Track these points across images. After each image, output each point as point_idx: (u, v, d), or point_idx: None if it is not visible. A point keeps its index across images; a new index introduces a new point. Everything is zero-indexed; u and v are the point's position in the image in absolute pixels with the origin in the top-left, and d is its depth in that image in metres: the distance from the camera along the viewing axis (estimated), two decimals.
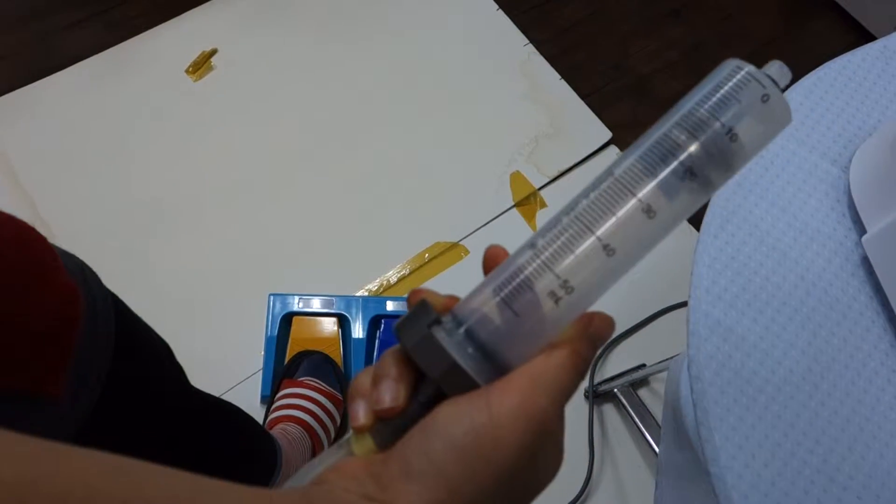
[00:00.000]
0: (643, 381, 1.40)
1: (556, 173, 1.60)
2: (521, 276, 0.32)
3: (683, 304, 1.41)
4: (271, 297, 1.39)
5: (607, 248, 0.32)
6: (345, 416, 1.31)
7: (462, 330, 0.33)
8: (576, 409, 1.36)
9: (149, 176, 1.59)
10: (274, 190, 1.58)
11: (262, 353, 1.36)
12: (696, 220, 0.65)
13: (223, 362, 1.37)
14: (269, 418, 1.23)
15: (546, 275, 0.32)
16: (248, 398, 1.34)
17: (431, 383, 0.32)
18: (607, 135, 1.65)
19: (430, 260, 1.50)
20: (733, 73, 0.33)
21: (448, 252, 1.51)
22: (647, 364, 1.37)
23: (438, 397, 0.32)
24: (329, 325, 1.39)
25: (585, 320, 0.34)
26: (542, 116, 1.68)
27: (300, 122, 1.67)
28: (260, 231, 1.53)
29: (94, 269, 0.62)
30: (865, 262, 0.65)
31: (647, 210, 0.32)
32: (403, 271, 1.49)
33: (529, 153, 1.63)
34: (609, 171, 0.33)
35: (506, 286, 0.33)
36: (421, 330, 0.32)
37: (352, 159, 1.62)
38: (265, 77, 1.73)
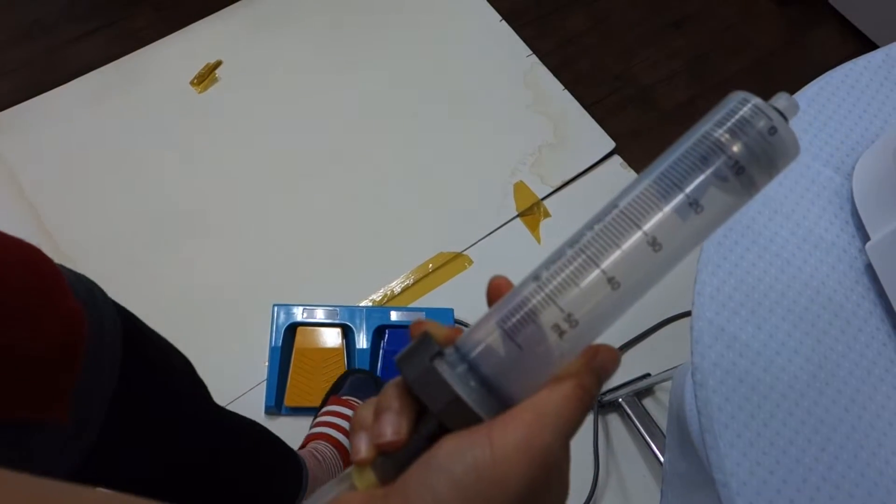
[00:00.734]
0: (648, 391, 1.39)
1: (559, 183, 1.61)
2: (525, 309, 0.32)
3: (687, 314, 1.41)
4: (275, 308, 1.39)
5: (612, 282, 0.32)
6: None
7: (465, 363, 0.32)
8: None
9: (153, 188, 1.60)
10: (278, 201, 1.59)
11: (267, 363, 1.36)
12: None
13: (228, 372, 1.37)
14: (309, 433, 1.24)
15: (550, 308, 0.32)
16: (252, 408, 1.34)
17: (434, 417, 0.32)
18: (611, 145, 1.65)
19: (434, 270, 1.50)
20: (740, 106, 0.32)
21: (452, 262, 1.51)
22: (652, 373, 1.37)
23: (441, 431, 0.31)
24: (333, 336, 1.39)
25: (590, 353, 0.34)
26: (546, 126, 1.69)
27: (304, 133, 1.68)
28: (264, 241, 1.54)
29: (99, 281, 0.61)
30: (869, 270, 0.66)
31: (653, 243, 0.32)
32: (407, 281, 1.49)
33: (533, 163, 1.63)
34: (614, 203, 0.33)
35: (509, 319, 0.32)
36: (423, 363, 0.32)
37: (355, 170, 1.63)
38: (269, 89, 1.74)
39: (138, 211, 1.55)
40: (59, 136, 1.65)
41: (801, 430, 0.59)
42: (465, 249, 1.52)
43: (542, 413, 0.31)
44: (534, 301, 0.32)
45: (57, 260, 0.55)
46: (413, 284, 1.49)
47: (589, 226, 0.33)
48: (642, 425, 1.32)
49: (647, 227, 0.32)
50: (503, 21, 1.84)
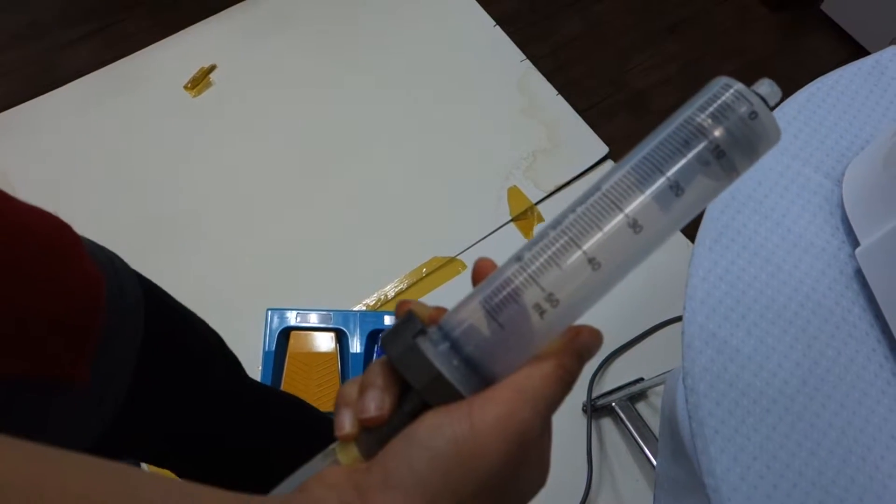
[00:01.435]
0: (641, 395, 1.40)
1: (553, 188, 1.61)
2: (508, 289, 0.32)
3: (680, 318, 1.41)
4: (269, 312, 1.39)
5: (593, 262, 0.32)
6: None
7: (447, 341, 0.33)
8: (574, 424, 1.36)
9: (147, 191, 1.59)
10: (272, 205, 1.59)
11: (260, 367, 1.36)
12: (691, 233, 0.65)
13: None
14: None
15: (531, 287, 0.32)
16: None
17: (416, 394, 0.32)
18: (604, 149, 1.66)
19: (428, 274, 1.50)
20: (723, 91, 0.33)
21: (445, 267, 1.51)
22: (645, 378, 1.37)
23: (423, 408, 0.32)
24: (327, 340, 1.39)
25: (572, 333, 0.34)
26: (540, 131, 1.69)
27: (298, 137, 1.68)
28: (258, 246, 1.54)
29: None
30: (859, 275, 0.66)
31: (634, 225, 0.32)
32: (401, 286, 1.49)
33: (527, 168, 1.64)
34: (597, 186, 0.33)
35: (492, 298, 0.32)
36: (406, 341, 0.32)
37: (349, 174, 1.63)
38: (264, 93, 1.74)
39: (131, 214, 1.55)
40: (53, 139, 1.65)
41: (790, 434, 0.59)
42: (458, 254, 1.52)
43: (521, 390, 0.31)
44: (516, 281, 0.32)
45: None
46: (407, 289, 1.49)
47: (571, 208, 0.33)
48: (635, 429, 1.32)
49: (628, 209, 0.32)
50: (497, 26, 1.85)
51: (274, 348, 1.36)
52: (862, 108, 0.75)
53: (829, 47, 1.85)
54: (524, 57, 1.80)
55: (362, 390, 0.33)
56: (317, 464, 0.33)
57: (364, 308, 1.47)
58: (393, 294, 1.48)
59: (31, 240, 0.49)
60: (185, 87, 1.73)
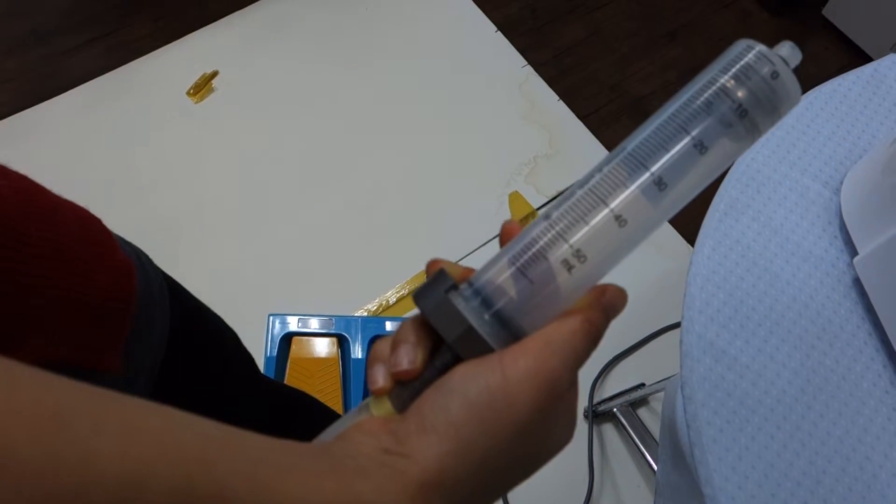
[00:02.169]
0: (642, 401, 1.40)
1: (554, 193, 1.61)
2: (537, 246, 0.33)
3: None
4: (271, 318, 1.39)
5: (619, 219, 0.33)
6: None
7: (479, 297, 0.34)
8: (575, 430, 1.36)
9: (149, 197, 1.60)
10: (274, 211, 1.59)
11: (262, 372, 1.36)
12: (692, 238, 0.65)
13: None
14: None
15: (560, 244, 0.33)
16: None
17: (448, 349, 0.33)
18: (605, 155, 1.66)
19: None
20: (745, 52, 0.33)
21: None
22: (647, 383, 1.37)
23: (454, 362, 0.32)
24: (329, 346, 1.40)
25: (599, 290, 0.35)
26: (541, 137, 1.69)
27: (300, 143, 1.68)
28: (260, 251, 1.54)
29: None
30: (857, 284, 0.66)
31: (659, 183, 0.33)
32: (402, 291, 1.49)
33: (528, 173, 1.64)
34: (622, 147, 0.34)
35: (521, 256, 0.33)
36: (438, 296, 0.33)
37: (352, 180, 1.63)
38: (265, 99, 1.74)
39: (133, 220, 1.56)
40: (55, 146, 1.66)
41: (789, 444, 0.59)
42: (460, 259, 1.53)
43: (550, 343, 0.32)
44: (545, 238, 0.33)
45: None
46: (408, 294, 1.49)
47: (598, 168, 0.34)
48: (636, 435, 1.32)
49: (653, 168, 0.33)
50: (499, 32, 1.85)
51: (275, 353, 1.36)
52: (860, 116, 0.75)
53: (830, 52, 1.85)
54: (526, 63, 1.81)
55: (395, 346, 0.34)
56: (352, 416, 0.34)
57: (366, 314, 1.47)
58: (394, 300, 1.48)
59: (68, 225, 0.50)
60: (188, 94, 1.74)
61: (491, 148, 1.68)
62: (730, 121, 0.33)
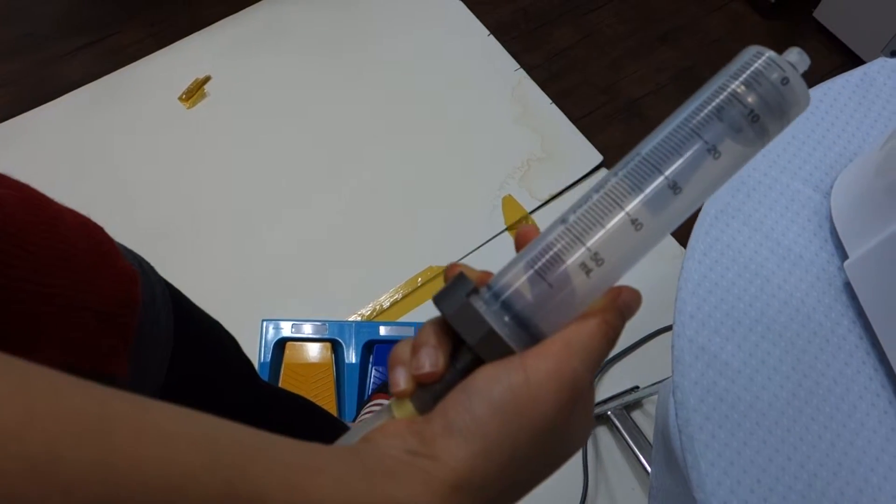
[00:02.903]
0: (637, 404, 1.40)
1: (547, 196, 1.61)
2: (554, 250, 0.34)
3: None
4: (264, 323, 1.39)
5: (635, 223, 0.34)
6: None
7: (498, 300, 0.34)
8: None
9: (142, 202, 1.60)
10: (267, 216, 1.59)
11: None
12: (684, 242, 0.66)
13: None
14: (357, 420, 1.26)
15: (577, 248, 0.34)
16: None
17: (468, 351, 0.34)
18: (598, 158, 1.66)
19: (423, 284, 1.50)
20: (755, 58, 0.34)
21: (441, 276, 1.51)
22: (641, 386, 1.37)
23: (475, 364, 0.33)
24: (322, 351, 1.40)
25: (614, 292, 0.36)
26: (534, 140, 1.70)
27: (292, 149, 1.68)
28: (253, 256, 1.54)
29: None
30: (848, 287, 0.66)
31: (674, 187, 0.34)
32: (396, 296, 1.49)
33: (521, 177, 1.64)
34: (636, 152, 0.35)
35: (539, 259, 0.34)
36: (459, 299, 0.34)
37: (344, 185, 1.63)
38: (258, 104, 1.74)
39: (126, 226, 1.55)
40: (47, 151, 1.65)
41: (781, 448, 0.59)
42: None
43: (570, 344, 0.33)
44: (562, 242, 0.34)
45: None
46: (402, 299, 1.49)
47: (613, 172, 0.35)
48: (631, 438, 1.32)
49: (667, 172, 0.34)
50: (491, 35, 1.85)
51: (269, 359, 1.36)
52: (850, 120, 0.75)
53: (821, 54, 1.86)
54: (518, 66, 1.81)
55: (416, 349, 0.35)
56: (375, 419, 0.34)
57: (359, 318, 1.47)
58: (388, 304, 1.48)
59: (73, 233, 0.50)
60: (180, 99, 1.73)
61: (484, 151, 1.69)
62: (741, 126, 0.34)
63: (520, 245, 0.37)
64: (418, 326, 1.33)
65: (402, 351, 0.35)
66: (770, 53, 0.34)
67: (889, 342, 0.62)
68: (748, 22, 1.93)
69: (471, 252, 1.53)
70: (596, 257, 0.34)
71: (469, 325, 0.33)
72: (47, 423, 0.21)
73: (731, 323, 0.64)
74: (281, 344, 1.39)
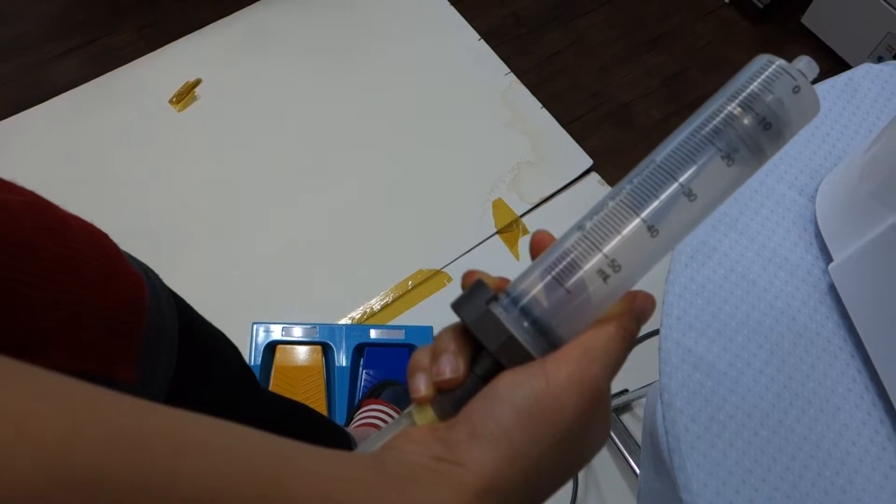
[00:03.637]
0: (626, 406, 1.40)
1: (538, 200, 1.62)
2: (572, 256, 0.35)
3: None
4: (255, 326, 1.39)
5: (651, 230, 0.34)
6: None
7: (517, 306, 0.35)
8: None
9: (132, 205, 1.59)
10: (257, 218, 1.59)
11: None
12: None
13: None
14: (352, 427, 1.26)
15: (595, 254, 0.34)
16: None
17: (488, 357, 0.34)
18: (588, 162, 1.67)
19: (414, 287, 1.51)
20: (766, 66, 0.35)
21: (431, 279, 1.51)
22: (630, 389, 1.38)
23: (495, 370, 0.34)
24: (313, 354, 1.40)
25: (630, 297, 0.37)
26: (524, 144, 1.70)
27: (283, 151, 1.68)
28: (244, 259, 1.54)
29: None
30: (832, 290, 0.67)
31: (689, 194, 0.34)
32: (387, 299, 1.49)
33: (511, 181, 1.65)
34: (651, 159, 0.36)
35: (557, 265, 0.35)
36: (480, 306, 0.34)
37: (334, 188, 1.63)
38: (249, 108, 1.74)
39: (116, 228, 1.54)
40: (38, 153, 1.65)
41: (766, 449, 0.60)
42: (444, 267, 1.53)
43: (589, 349, 0.33)
44: (580, 248, 0.35)
45: None
46: (392, 302, 1.49)
47: (629, 179, 0.36)
48: (620, 440, 1.33)
49: (682, 178, 0.34)
50: (482, 40, 1.86)
51: (259, 362, 1.36)
52: (835, 125, 0.76)
53: None
54: (509, 70, 1.82)
55: (436, 355, 0.35)
56: (395, 426, 0.35)
57: (350, 321, 1.47)
58: (379, 307, 1.48)
59: (79, 239, 0.50)
60: (171, 102, 1.73)
61: (474, 155, 1.69)
62: (754, 133, 0.34)
63: (535, 251, 0.38)
64: (409, 330, 1.33)
65: (422, 357, 0.36)
66: (780, 62, 0.35)
67: (872, 344, 0.62)
68: (737, 27, 1.94)
69: (461, 256, 1.54)
70: (613, 264, 0.34)
71: (490, 331, 0.34)
72: (92, 444, 0.22)
73: (718, 325, 0.65)
74: (271, 347, 1.39)
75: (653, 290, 0.38)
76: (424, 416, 0.34)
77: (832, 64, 1.85)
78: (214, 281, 1.51)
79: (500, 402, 0.31)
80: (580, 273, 0.34)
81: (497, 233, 1.57)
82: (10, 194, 0.46)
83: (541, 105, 1.76)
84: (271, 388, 1.36)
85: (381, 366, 1.39)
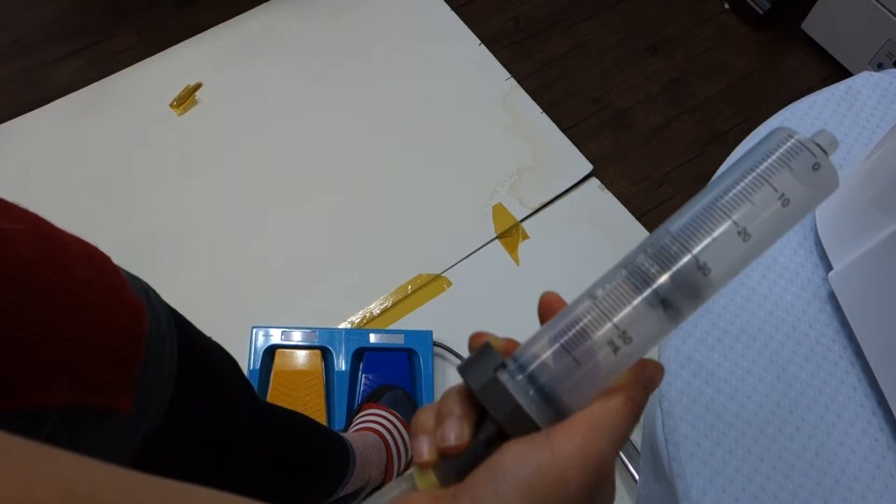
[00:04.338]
0: None
1: (538, 205, 1.62)
2: (581, 325, 0.34)
3: None
4: (254, 330, 1.39)
5: (665, 302, 0.34)
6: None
7: (524, 374, 0.34)
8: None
9: (133, 209, 1.60)
10: (257, 222, 1.59)
11: None
12: None
13: None
14: (351, 431, 1.26)
15: (605, 325, 0.34)
16: None
17: (493, 423, 0.34)
18: (588, 167, 1.67)
19: (413, 292, 1.51)
20: (783, 141, 0.34)
21: (431, 284, 1.51)
22: None
23: (499, 436, 0.33)
24: (312, 358, 1.39)
25: (639, 367, 0.36)
26: (524, 149, 1.70)
27: (284, 156, 1.68)
28: (243, 263, 1.54)
29: None
30: (832, 298, 0.67)
31: (703, 268, 0.34)
32: (386, 303, 1.49)
33: (511, 185, 1.65)
34: (665, 228, 0.35)
35: (566, 333, 0.34)
36: (487, 373, 0.34)
37: (334, 192, 1.63)
38: (249, 111, 1.74)
39: (116, 232, 1.55)
40: (38, 157, 1.65)
41: (765, 457, 0.60)
42: (444, 271, 1.53)
43: (597, 423, 0.33)
44: (589, 317, 0.34)
45: None
46: (392, 306, 1.49)
47: (642, 248, 0.35)
48: None
49: (696, 250, 0.34)
50: (482, 45, 1.86)
51: (259, 366, 1.36)
52: (835, 132, 0.76)
53: (809, 66, 1.88)
54: (509, 75, 1.82)
55: (441, 419, 0.35)
56: (395, 488, 0.35)
57: (349, 326, 1.47)
58: (378, 311, 1.48)
59: (81, 266, 0.50)
60: (171, 105, 1.73)
61: (474, 160, 1.69)
62: (771, 207, 0.34)
63: (544, 315, 0.37)
64: (408, 334, 1.32)
65: (426, 419, 0.35)
66: (799, 137, 0.34)
67: (872, 352, 0.63)
68: (737, 33, 1.94)
69: (460, 260, 1.54)
70: (624, 335, 0.34)
71: (496, 400, 0.33)
72: None
73: (717, 332, 0.65)
74: (270, 351, 1.39)
75: None
76: (426, 480, 0.34)
77: (831, 70, 1.85)
78: (214, 284, 1.51)
79: (504, 475, 0.31)
80: (589, 343, 0.34)
81: (497, 237, 1.57)
82: (12, 222, 0.46)
83: (541, 110, 1.76)
84: (270, 392, 1.36)
85: (381, 370, 1.39)
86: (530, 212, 1.61)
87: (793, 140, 0.34)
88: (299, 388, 1.37)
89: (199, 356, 0.70)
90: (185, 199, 1.61)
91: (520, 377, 0.34)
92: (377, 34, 1.88)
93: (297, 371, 1.38)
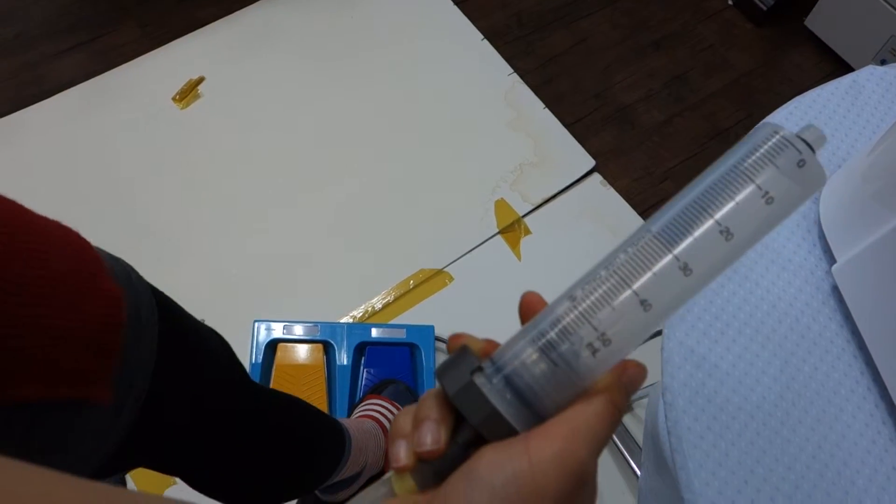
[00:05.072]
0: (627, 407, 1.40)
1: (540, 201, 1.62)
2: (560, 327, 0.33)
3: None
4: (256, 324, 1.39)
5: (644, 304, 0.33)
6: None
7: (501, 377, 0.34)
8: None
9: (135, 203, 1.60)
10: (260, 216, 1.59)
11: None
12: None
13: None
14: (353, 417, 1.27)
15: (585, 327, 0.33)
16: None
17: (471, 427, 0.33)
18: (590, 163, 1.67)
19: (415, 287, 1.51)
20: (769, 137, 0.33)
21: (433, 279, 1.52)
22: None
23: (477, 439, 0.33)
24: (314, 352, 1.40)
25: (619, 368, 0.35)
26: (527, 145, 1.70)
27: (285, 150, 1.68)
28: (246, 257, 1.54)
29: None
30: (836, 292, 0.67)
31: (685, 268, 0.33)
32: (388, 298, 1.49)
33: (514, 181, 1.65)
34: (646, 228, 0.34)
35: (544, 335, 0.34)
36: (463, 377, 0.33)
37: (336, 187, 1.63)
38: (252, 105, 1.74)
39: (118, 226, 1.55)
40: (39, 151, 1.65)
41: (768, 450, 0.60)
42: (446, 266, 1.53)
43: (576, 428, 0.32)
44: (568, 319, 0.33)
45: None
46: (394, 301, 1.49)
47: (622, 249, 0.34)
48: (621, 442, 1.33)
49: (677, 251, 0.33)
50: (485, 40, 1.86)
51: (261, 360, 1.36)
52: (839, 126, 0.76)
53: (812, 62, 1.88)
54: (512, 71, 1.82)
55: (417, 423, 0.34)
56: (372, 492, 0.34)
57: (351, 320, 1.47)
58: (380, 306, 1.48)
59: (59, 257, 0.49)
60: (173, 99, 1.73)
61: (477, 155, 1.69)
62: (754, 205, 0.33)
63: (524, 315, 0.37)
64: (410, 329, 1.33)
65: (404, 423, 0.35)
66: (784, 133, 0.33)
67: (875, 346, 0.63)
68: (740, 29, 1.94)
69: (463, 255, 1.54)
70: (603, 337, 0.33)
71: (472, 404, 0.33)
72: None
73: (720, 325, 0.65)
74: (273, 345, 1.39)
75: None
76: (403, 485, 0.33)
77: (835, 66, 1.85)
78: (216, 278, 1.51)
79: (479, 483, 0.30)
80: (568, 346, 0.33)
81: (499, 233, 1.57)
82: None
83: (543, 105, 1.76)
84: (272, 385, 1.36)
85: (382, 365, 1.39)
86: (532, 207, 1.61)
87: (778, 136, 0.33)
88: (301, 381, 1.37)
89: (183, 332, 0.69)
90: (187, 193, 1.61)
91: (496, 380, 0.33)
92: (379, 29, 1.88)
93: (299, 365, 1.38)
